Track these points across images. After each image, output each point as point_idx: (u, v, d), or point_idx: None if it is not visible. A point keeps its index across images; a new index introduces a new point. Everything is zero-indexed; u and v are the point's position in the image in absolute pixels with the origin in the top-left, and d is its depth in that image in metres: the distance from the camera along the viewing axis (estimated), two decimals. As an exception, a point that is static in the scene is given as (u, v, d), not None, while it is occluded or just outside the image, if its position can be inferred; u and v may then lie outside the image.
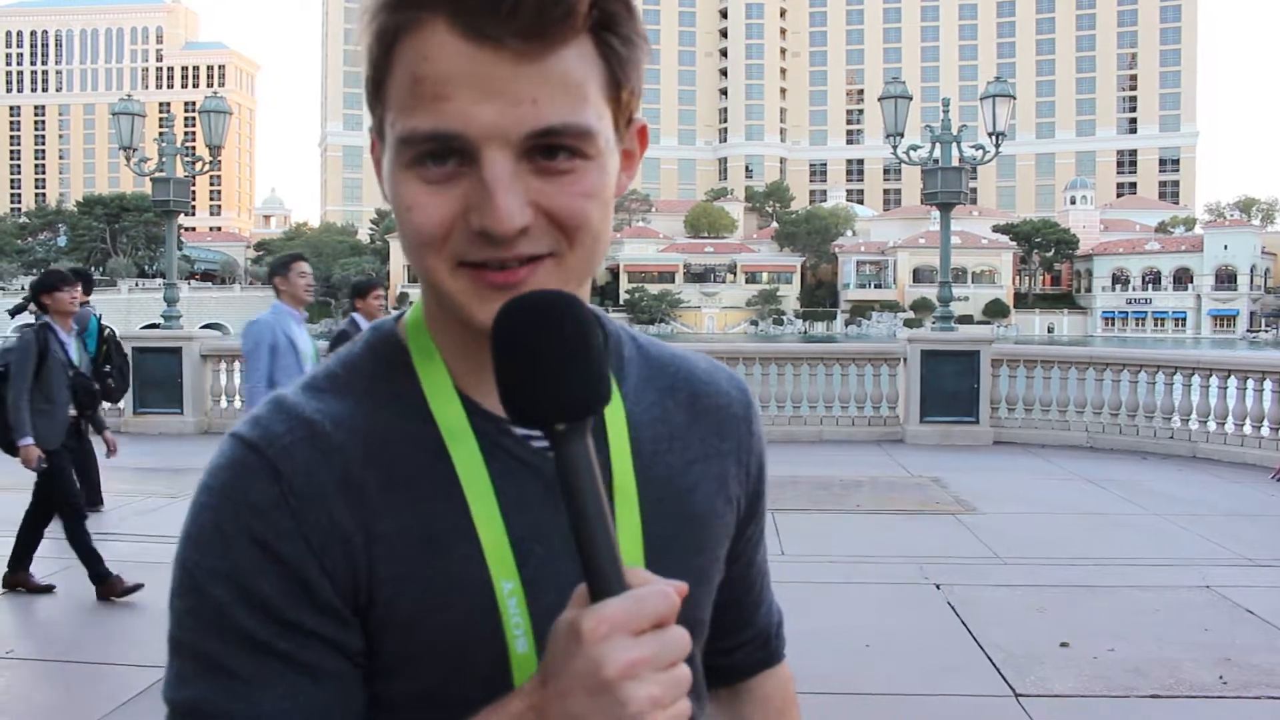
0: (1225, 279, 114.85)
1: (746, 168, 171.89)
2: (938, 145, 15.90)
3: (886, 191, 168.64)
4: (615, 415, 1.00)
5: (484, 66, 0.82)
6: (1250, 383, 13.03)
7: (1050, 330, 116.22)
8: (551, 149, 0.85)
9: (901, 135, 16.48)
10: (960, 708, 5.23)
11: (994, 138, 16.20)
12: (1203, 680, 5.55)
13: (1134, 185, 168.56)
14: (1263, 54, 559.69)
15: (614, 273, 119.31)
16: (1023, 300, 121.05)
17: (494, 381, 0.79)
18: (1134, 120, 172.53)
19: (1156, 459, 13.00)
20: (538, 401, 0.78)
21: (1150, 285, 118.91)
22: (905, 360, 14.47)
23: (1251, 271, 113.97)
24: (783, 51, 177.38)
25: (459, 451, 0.93)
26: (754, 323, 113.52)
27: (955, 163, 16.00)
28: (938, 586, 7.21)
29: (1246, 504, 10.42)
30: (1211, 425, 13.23)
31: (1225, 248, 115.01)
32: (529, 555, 0.92)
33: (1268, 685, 5.47)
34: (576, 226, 0.87)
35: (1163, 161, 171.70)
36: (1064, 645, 6.06)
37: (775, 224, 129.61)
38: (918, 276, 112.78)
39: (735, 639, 1.22)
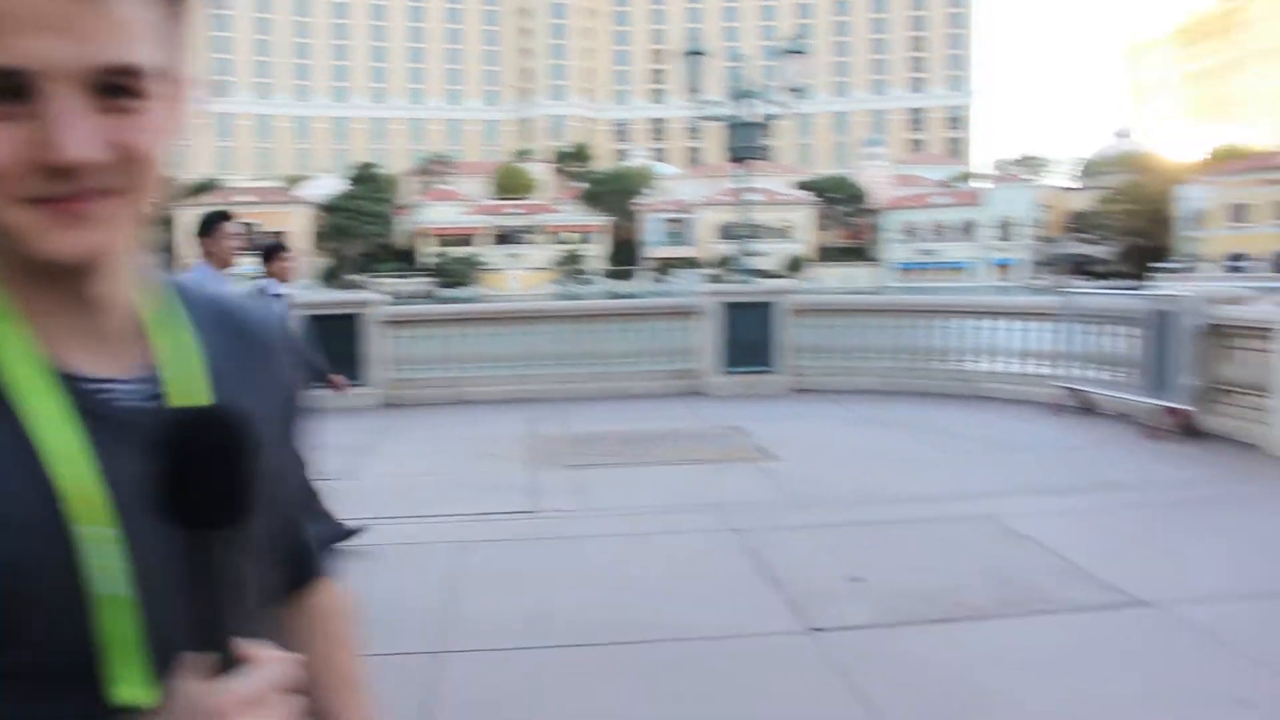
0: (1004, 230, 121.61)
1: (551, 128, 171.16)
2: (737, 102, 16.13)
3: (690, 150, 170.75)
4: (186, 354, 1.01)
5: (48, 4, 0.83)
6: (1029, 324, 13.77)
7: (848, 283, 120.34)
8: (117, 87, 0.86)
9: (700, 92, 16.66)
10: (757, 646, 5.33)
11: (791, 93, 16.55)
12: (984, 604, 5.83)
13: (920, 142, 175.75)
14: (1036, 21, 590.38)
15: (417, 236, 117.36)
16: (822, 254, 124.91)
17: (71, 331, 0.86)
18: (920, 80, 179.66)
19: (943, 399, 13.59)
20: (198, 509, 0.80)
21: (938, 237, 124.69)
22: (705, 313, 14.67)
23: (1028, 223, 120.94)
24: (587, 11, 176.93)
25: (37, 403, 0.90)
26: (560, 283, 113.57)
27: (754, 119, 16.25)
28: (737, 532, 7.34)
29: (1024, 438, 11.02)
30: (994, 365, 13.94)
31: (1004, 201, 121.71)
32: (117, 506, 0.90)
33: (1042, 603, 5.80)
34: (143, 163, 0.88)
35: (947, 120, 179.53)
36: (857, 580, 6.27)
37: (580, 184, 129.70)
38: (720, 233, 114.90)
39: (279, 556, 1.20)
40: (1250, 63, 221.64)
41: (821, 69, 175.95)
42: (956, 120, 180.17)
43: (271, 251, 7.58)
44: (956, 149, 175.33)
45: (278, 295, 7.25)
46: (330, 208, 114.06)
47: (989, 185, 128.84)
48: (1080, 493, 8.51)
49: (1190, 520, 7.79)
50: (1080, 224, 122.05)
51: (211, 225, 6.80)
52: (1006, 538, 7.16)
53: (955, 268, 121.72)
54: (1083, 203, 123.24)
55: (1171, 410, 10.80)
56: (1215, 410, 10.93)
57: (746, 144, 15.83)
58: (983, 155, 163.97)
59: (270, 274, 7.56)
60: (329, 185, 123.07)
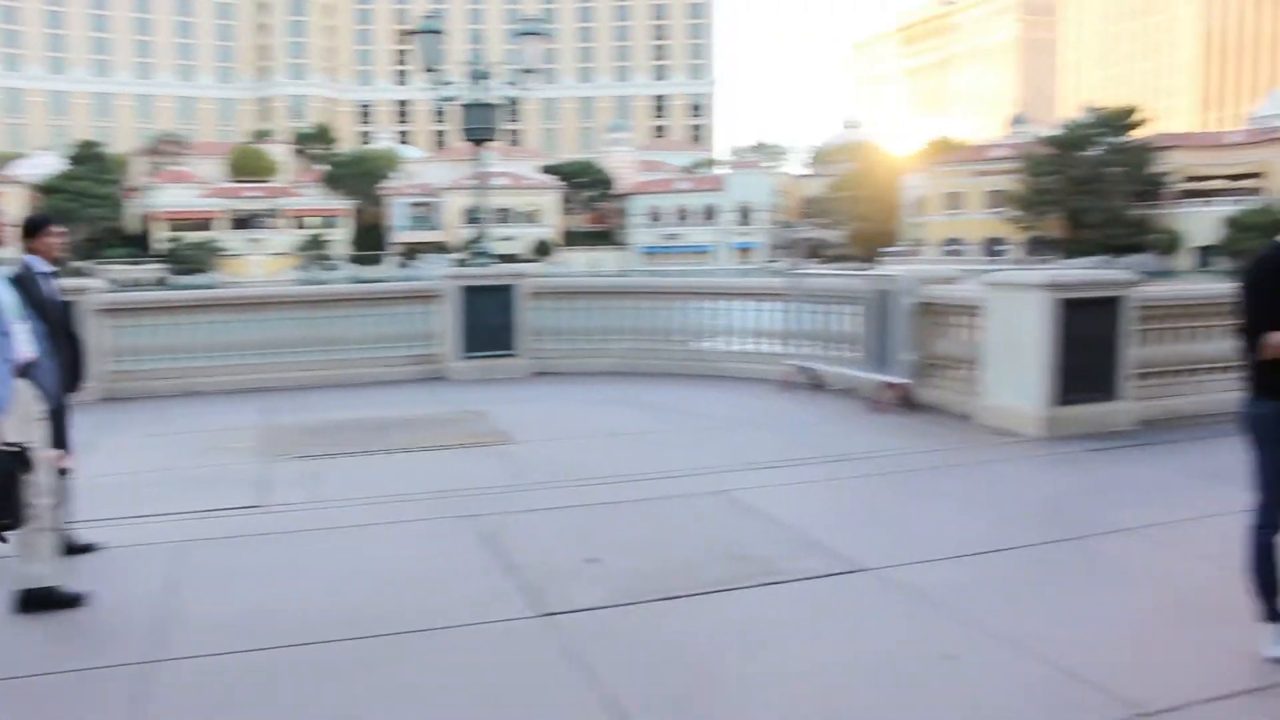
0: (744, 215, 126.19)
1: (291, 109, 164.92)
2: (474, 83, 15.89)
3: (437, 133, 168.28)
4: None
5: None
6: (762, 305, 14.21)
7: (593, 266, 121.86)
8: None
9: (436, 71, 16.32)
10: (490, 634, 5.21)
11: (529, 75, 16.44)
12: (716, 576, 5.91)
13: (663, 129, 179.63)
14: (772, 10, 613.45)
15: (148, 220, 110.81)
16: (569, 238, 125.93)
17: None
18: (663, 68, 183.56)
19: (683, 379, 13.84)
20: None
21: (682, 221, 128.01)
22: (445, 297, 14.40)
23: (766, 208, 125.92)
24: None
25: None
26: (303, 269, 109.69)
27: (489, 100, 16.05)
28: (474, 518, 7.20)
29: (757, 414, 11.34)
30: (730, 345, 14.33)
31: (744, 186, 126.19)
32: None
33: (771, 574, 5.93)
34: None
35: (689, 107, 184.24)
36: (593, 561, 6.25)
37: (323, 167, 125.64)
38: (467, 217, 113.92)
39: None
40: (960, 62, 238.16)
41: (567, 54, 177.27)
42: (699, 108, 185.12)
43: (35, 225, 6.71)
44: (699, 136, 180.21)
45: (44, 274, 6.44)
46: (49, 189, 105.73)
47: (730, 171, 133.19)
48: (809, 465, 8.81)
49: (909, 488, 8.21)
50: (814, 209, 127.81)
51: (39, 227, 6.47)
52: (739, 512, 7.32)
53: (699, 251, 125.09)
54: (816, 189, 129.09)
55: (892, 385, 11.38)
56: (931, 383, 11.58)
57: (482, 126, 15.63)
58: (724, 142, 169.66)
59: (33, 250, 6.63)
60: (46, 164, 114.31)
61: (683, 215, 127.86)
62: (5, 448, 4.95)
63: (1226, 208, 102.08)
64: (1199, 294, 11.90)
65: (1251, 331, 4.51)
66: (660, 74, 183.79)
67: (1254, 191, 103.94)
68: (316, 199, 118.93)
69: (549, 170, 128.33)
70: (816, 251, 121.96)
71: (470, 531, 6.92)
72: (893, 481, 8.39)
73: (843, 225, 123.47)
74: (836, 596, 5.68)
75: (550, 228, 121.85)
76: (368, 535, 6.98)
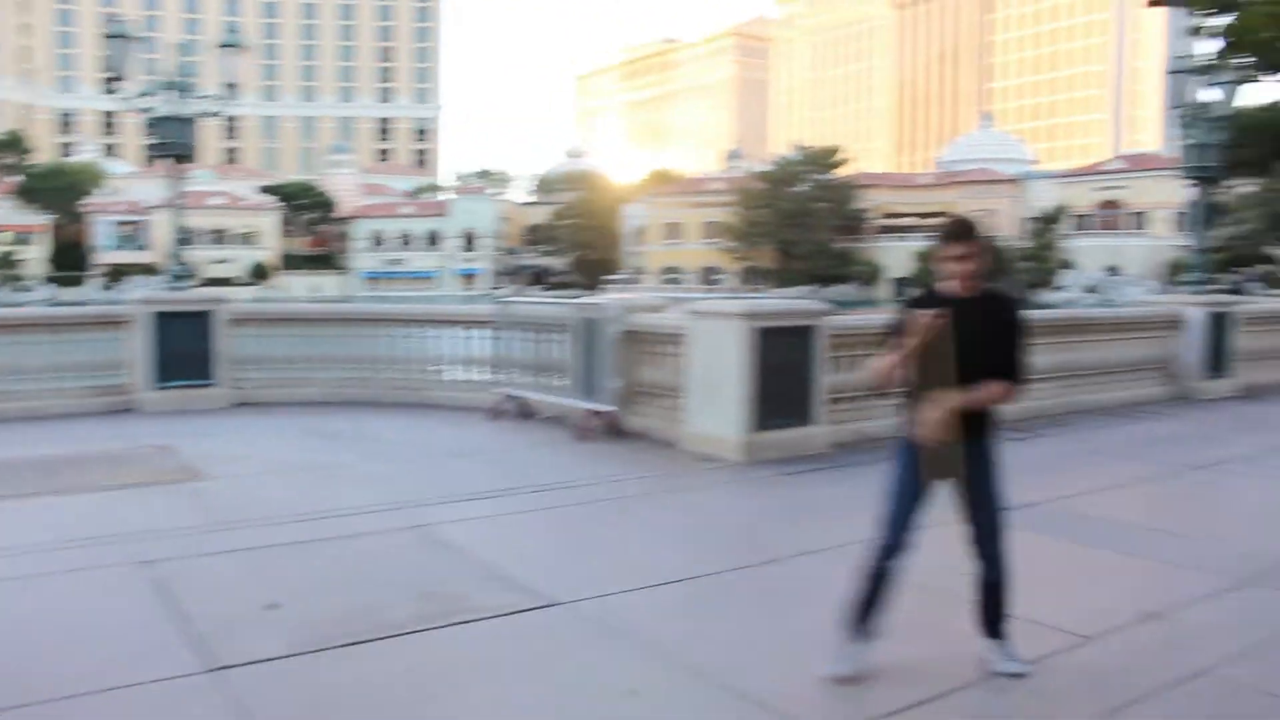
0: (469, 241, 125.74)
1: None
2: (171, 95, 14.94)
3: (148, 148, 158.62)
4: None
5: None
6: (472, 332, 14.05)
7: (314, 291, 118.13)
8: None
9: (125, 80, 15.29)
10: (151, 696, 4.78)
11: (229, 89, 15.65)
12: (402, 618, 5.68)
13: (388, 152, 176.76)
14: (499, 38, 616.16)
15: None
16: (289, 262, 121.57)
17: None
18: (389, 90, 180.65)
19: (389, 408, 13.47)
20: None
21: (406, 246, 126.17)
22: (135, 323, 13.44)
23: (490, 235, 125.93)
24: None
25: None
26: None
27: (184, 114, 15.14)
28: (147, 564, 6.66)
29: (463, 444, 11.14)
30: (437, 373, 14.08)
31: (469, 213, 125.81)
32: None
33: (457, 613, 5.75)
34: None
35: (415, 131, 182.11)
36: (273, 607, 5.89)
37: (16, 178, 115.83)
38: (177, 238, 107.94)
39: None
40: (681, 98, 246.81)
41: (289, 71, 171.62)
42: (424, 132, 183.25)
43: None
44: (424, 160, 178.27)
45: None
46: None
47: (454, 197, 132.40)
48: (510, 496, 8.69)
49: (609, 517, 8.23)
50: (537, 237, 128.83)
51: None
52: (434, 548, 7.12)
53: (422, 277, 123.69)
54: (540, 217, 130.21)
55: (599, 413, 11.45)
56: (638, 411, 11.74)
57: (177, 141, 14.73)
58: (450, 168, 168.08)
59: None
60: None
61: (407, 240, 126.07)
62: None
63: (918, 243, 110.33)
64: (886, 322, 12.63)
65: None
66: (385, 96, 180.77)
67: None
68: (8, 213, 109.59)
69: (268, 190, 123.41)
70: (540, 279, 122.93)
71: (142, 579, 6.39)
72: (593, 511, 8.39)
73: (566, 253, 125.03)
74: (526, 634, 5.57)
75: (269, 250, 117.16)
76: (23, 588, 6.32)
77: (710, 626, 5.68)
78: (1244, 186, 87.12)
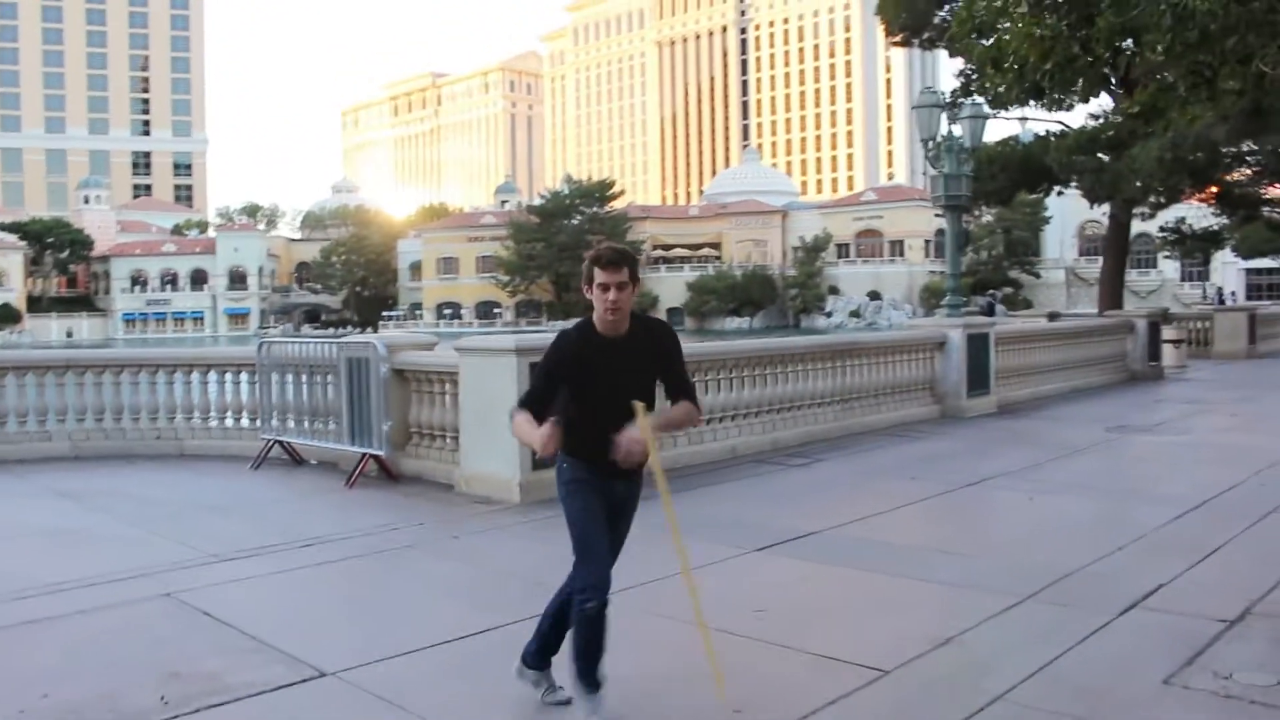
0: (237, 279, 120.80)
1: None
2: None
3: None
4: None
5: None
6: (229, 376, 13.18)
7: (70, 334, 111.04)
8: None
9: None
10: None
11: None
12: (143, 706, 5.01)
13: (150, 187, 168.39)
14: (263, 70, 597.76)
15: None
16: (37, 304, 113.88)
17: None
18: (148, 122, 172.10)
19: (145, 461, 12.44)
20: None
21: (169, 286, 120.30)
22: None
23: (260, 272, 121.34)
24: None
25: None
26: None
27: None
28: None
29: (225, 497, 10.32)
30: (196, 421, 13.13)
31: (236, 250, 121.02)
32: None
33: (209, 694, 5.12)
34: None
35: (176, 165, 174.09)
36: (-13, 705, 5.11)
37: None
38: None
39: None
40: (450, 132, 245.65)
41: (31, 101, 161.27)
42: (187, 166, 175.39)
43: None
44: (188, 196, 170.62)
45: None
46: None
47: (220, 234, 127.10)
48: (275, 553, 8.01)
49: (384, 571, 7.68)
50: (309, 274, 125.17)
51: None
52: (188, 618, 6.42)
53: (189, 317, 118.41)
54: (310, 253, 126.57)
55: (372, 457, 10.85)
56: (413, 453, 11.21)
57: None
58: (215, 203, 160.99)
59: None
60: None
61: (170, 279, 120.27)
62: None
63: (689, 273, 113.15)
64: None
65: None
66: (144, 129, 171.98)
67: (712, 259, 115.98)
68: None
69: (12, 228, 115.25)
70: (315, 317, 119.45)
71: None
72: (366, 565, 7.81)
73: (340, 290, 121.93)
74: (287, 713, 5.01)
75: (15, 291, 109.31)
76: None
77: (500, 691, 5.25)
78: (985, 216, 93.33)
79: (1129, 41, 14.34)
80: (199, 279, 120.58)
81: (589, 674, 4.65)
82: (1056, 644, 5.68)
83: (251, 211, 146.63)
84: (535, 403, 4.59)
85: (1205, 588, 6.82)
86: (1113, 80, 25.73)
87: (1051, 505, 9.71)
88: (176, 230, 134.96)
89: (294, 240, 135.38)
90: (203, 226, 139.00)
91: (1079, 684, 5.15)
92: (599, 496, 4.69)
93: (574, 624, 4.66)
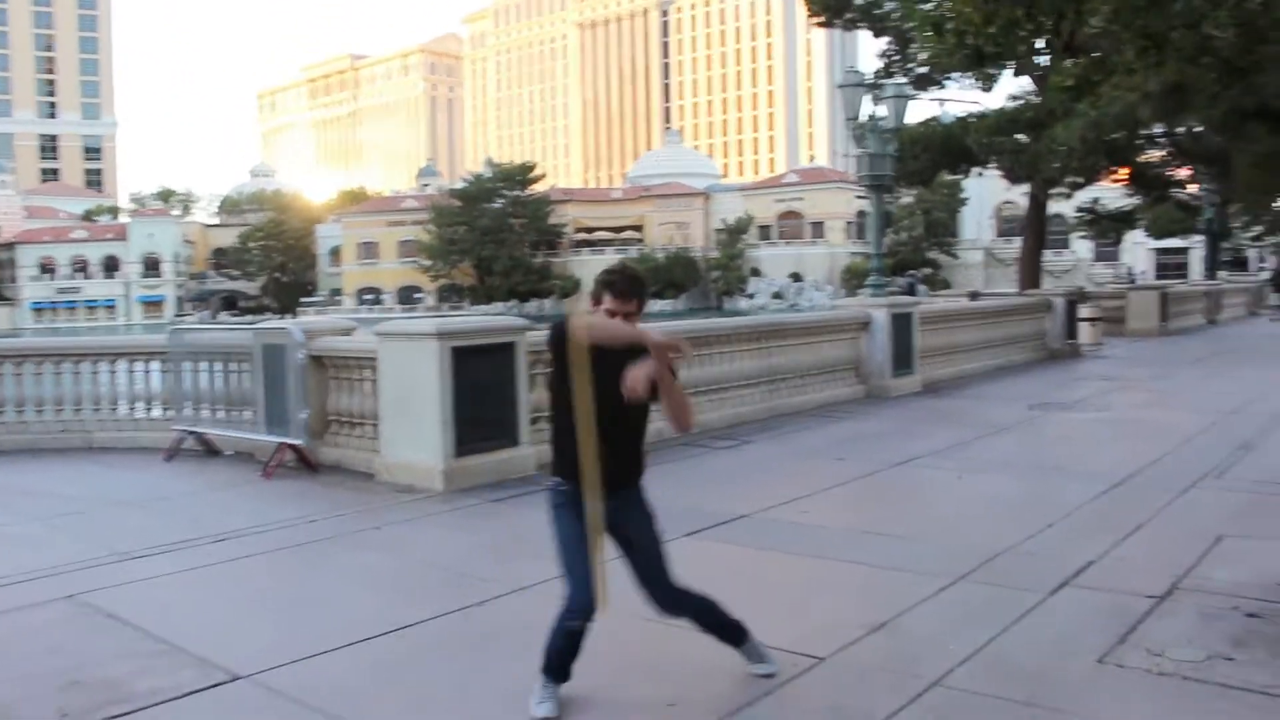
0: (152, 266, 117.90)
1: None
2: None
3: None
4: None
5: None
6: (139, 365, 12.72)
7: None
8: None
9: None
10: None
11: None
12: (39, 719, 4.72)
13: (58, 172, 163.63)
14: (177, 52, 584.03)
15: None
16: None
17: None
18: (54, 104, 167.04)
19: (52, 455, 11.96)
20: None
21: (80, 274, 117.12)
22: None
23: (175, 259, 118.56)
24: None
25: None
26: None
27: None
28: None
29: (135, 491, 9.92)
30: (105, 412, 12.66)
31: (150, 236, 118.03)
32: None
33: (111, 703, 4.83)
34: None
35: (86, 149, 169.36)
36: None
37: None
38: None
39: None
40: (370, 115, 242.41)
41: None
42: (97, 150, 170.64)
43: None
44: (98, 180, 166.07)
45: None
46: None
47: (133, 220, 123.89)
48: (187, 549, 7.67)
49: (300, 565, 7.40)
50: (226, 260, 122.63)
51: None
52: (92, 621, 6.09)
53: (101, 305, 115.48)
54: (227, 239, 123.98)
55: (289, 446, 10.52)
56: (332, 442, 10.90)
57: None
58: (127, 188, 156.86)
59: None
60: None
61: (81, 267, 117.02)
62: None
63: (612, 256, 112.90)
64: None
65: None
66: (50, 111, 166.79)
67: (635, 241, 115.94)
68: None
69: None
70: (233, 304, 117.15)
71: None
72: (284, 559, 7.53)
73: (258, 276, 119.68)
74: None
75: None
76: None
77: (424, 689, 5.03)
78: (905, 197, 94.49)
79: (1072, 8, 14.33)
80: (111, 266, 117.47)
81: (556, 672, 4.72)
82: (991, 625, 5.61)
83: (166, 197, 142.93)
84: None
85: (1133, 564, 6.82)
86: (1052, 49, 25.80)
87: (980, 484, 9.73)
88: (87, 216, 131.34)
89: (210, 226, 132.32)
90: (114, 212, 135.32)
91: (1015, 666, 5.09)
92: (580, 520, 4.55)
93: (553, 631, 4.68)
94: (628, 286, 4.44)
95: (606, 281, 4.46)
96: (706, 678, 5.02)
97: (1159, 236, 71.00)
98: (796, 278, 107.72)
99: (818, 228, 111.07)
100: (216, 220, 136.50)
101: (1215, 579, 6.42)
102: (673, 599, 4.81)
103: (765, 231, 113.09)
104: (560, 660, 4.68)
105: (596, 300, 4.48)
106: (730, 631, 4.94)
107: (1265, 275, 41.03)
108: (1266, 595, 6.07)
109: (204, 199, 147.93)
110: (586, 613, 4.52)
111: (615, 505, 4.57)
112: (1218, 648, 5.26)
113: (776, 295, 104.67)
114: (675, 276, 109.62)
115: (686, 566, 7.08)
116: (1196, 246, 71.04)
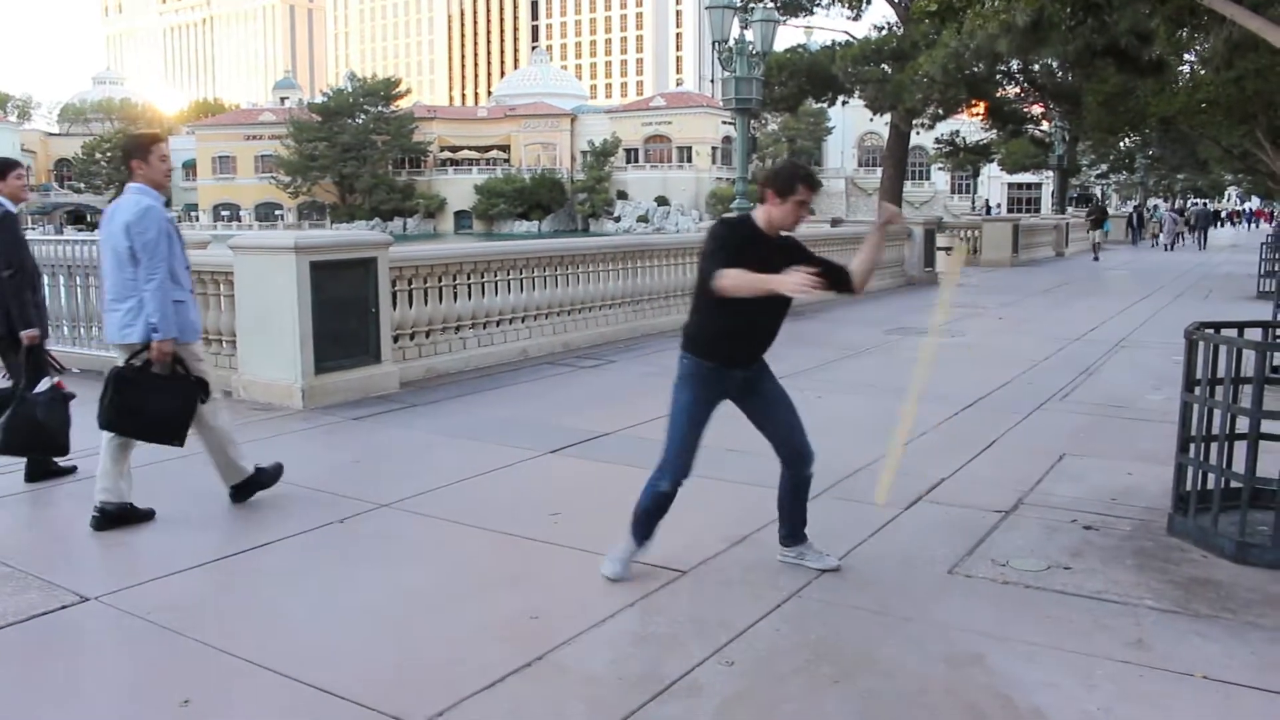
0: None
1: None
2: None
3: None
4: None
5: None
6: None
7: None
8: None
9: None
10: None
11: None
12: None
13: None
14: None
15: None
16: None
17: None
18: None
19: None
20: None
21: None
22: None
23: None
24: None
25: None
26: None
27: None
28: None
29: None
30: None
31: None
32: None
33: (-49, 626, 4.64)
34: None
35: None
36: None
37: None
38: None
39: None
40: (225, 23, 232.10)
41: None
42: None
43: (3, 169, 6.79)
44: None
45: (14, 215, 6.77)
46: None
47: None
48: (20, 472, 7.37)
49: (155, 483, 7.07)
50: (70, 171, 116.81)
51: (145, 147, 6.09)
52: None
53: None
54: (70, 149, 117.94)
55: (140, 364, 10.12)
56: (186, 360, 10.52)
57: None
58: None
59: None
60: None
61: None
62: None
63: (478, 175, 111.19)
64: (453, 253, 12.07)
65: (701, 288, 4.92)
66: None
67: (501, 161, 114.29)
68: None
69: None
70: (80, 218, 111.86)
71: None
72: (134, 480, 7.27)
73: (107, 190, 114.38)
74: (56, 640, 4.58)
75: None
76: None
77: (279, 608, 4.94)
78: (770, 125, 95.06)
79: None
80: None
81: (641, 530, 5.13)
82: (848, 539, 5.78)
83: (1, 102, 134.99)
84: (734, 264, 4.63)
85: (982, 481, 7.10)
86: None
87: (838, 404, 9.96)
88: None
89: (52, 135, 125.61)
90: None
91: (870, 577, 5.26)
92: (713, 388, 5.20)
93: (643, 492, 5.09)
94: (817, 183, 4.91)
95: (805, 177, 4.77)
96: (568, 589, 5.07)
97: (1013, 171, 73.30)
98: (663, 201, 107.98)
99: (685, 152, 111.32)
100: (58, 129, 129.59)
101: (1057, 494, 6.74)
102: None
103: (632, 154, 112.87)
104: (646, 519, 5.08)
105: (787, 194, 4.71)
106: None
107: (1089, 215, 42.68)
108: (1102, 509, 6.40)
109: (44, 106, 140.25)
110: (677, 479, 4.98)
111: (751, 375, 5.29)
112: (1057, 558, 5.52)
113: (642, 219, 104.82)
114: (541, 198, 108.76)
115: (550, 483, 7.14)
116: (1048, 181, 73.63)
